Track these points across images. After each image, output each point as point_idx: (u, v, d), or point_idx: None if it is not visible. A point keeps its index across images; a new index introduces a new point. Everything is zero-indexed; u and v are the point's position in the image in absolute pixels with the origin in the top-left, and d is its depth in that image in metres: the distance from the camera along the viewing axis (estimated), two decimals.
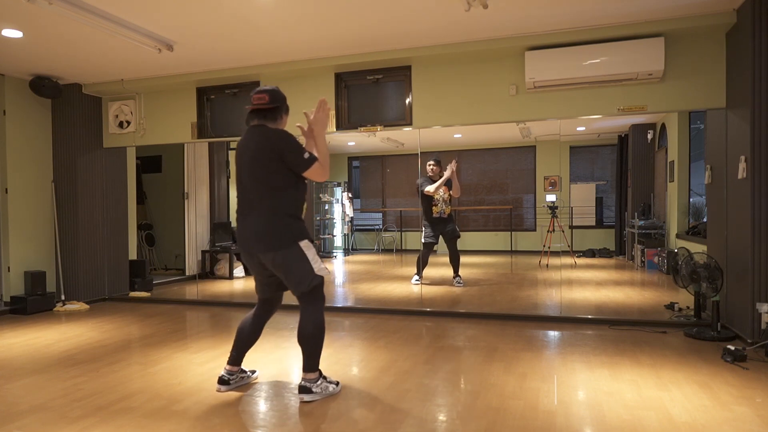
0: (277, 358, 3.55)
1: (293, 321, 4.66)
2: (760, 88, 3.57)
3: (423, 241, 6.34)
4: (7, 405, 2.74)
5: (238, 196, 2.86)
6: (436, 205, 6.30)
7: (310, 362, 2.80)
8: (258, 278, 2.97)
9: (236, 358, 2.99)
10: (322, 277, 2.84)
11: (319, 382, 2.81)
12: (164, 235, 8.16)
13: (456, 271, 6.34)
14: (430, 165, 6.33)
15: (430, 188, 6.23)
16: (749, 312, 3.67)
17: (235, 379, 2.99)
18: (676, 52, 4.19)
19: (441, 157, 6.47)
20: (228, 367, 2.99)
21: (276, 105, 2.84)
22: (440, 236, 6.35)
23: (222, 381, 2.95)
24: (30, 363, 3.51)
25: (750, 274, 3.66)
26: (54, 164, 5.78)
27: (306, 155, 2.74)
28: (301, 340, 2.79)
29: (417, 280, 6.31)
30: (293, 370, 3.27)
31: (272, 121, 2.84)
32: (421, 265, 6.32)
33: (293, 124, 3.08)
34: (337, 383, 2.93)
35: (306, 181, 2.88)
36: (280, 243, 2.73)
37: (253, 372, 3.14)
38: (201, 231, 7.52)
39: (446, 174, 6.21)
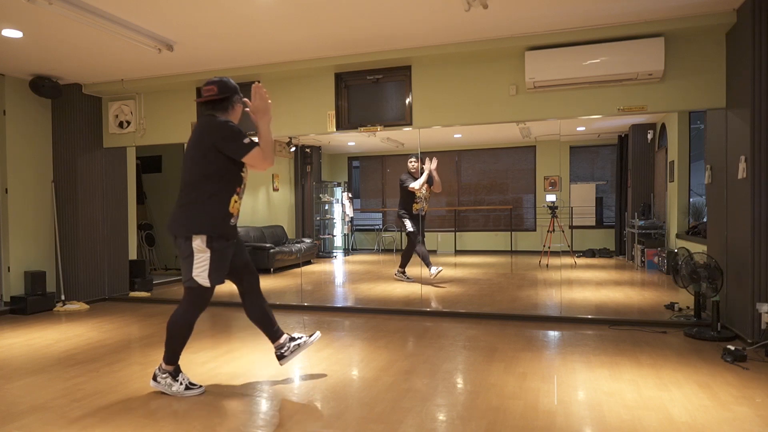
0: (273, 359, 3.54)
1: (293, 321, 4.66)
2: (760, 88, 3.57)
3: (412, 230, 6.37)
4: (7, 405, 2.74)
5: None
6: (417, 203, 6.38)
7: (167, 354, 2.86)
8: None
9: (273, 335, 3.06)
10: (198, 285, 2.76)
11: (165, 375, 2.86)
12: (164, 235, 8.16)
13: (404, 265, 6.45)
14: (411, 162, 6.44)
15: (414, 185, 6.29)
16: (749, 312, 3.67)
17: (289, 348, 3.06)
18: (676, 52, 4.19)
19: (440, 157, 6.50)
20: (276, 342, 3.06)
21: (225, 95, 2.83)
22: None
23: (279, 357, 3.06)
24: (30, 363, 3.51)
25: (750, 274, 3.66)
26: (54, 164, 5.78)
27: (246, 140, 2.72)
28: (167, 328, 2.85)
29: (437, 269, 6.31)
30: (293, 370, 3.27)
31: (222, 112, 2.84)
32: (427, 257, 6.34)
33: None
34: (195, 387, 2.88)
35: (243, 173, 2.85)
36: (178, 232, 2.77)
37: (311, 335, 3.17)
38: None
39: (425, 170, 6.28)
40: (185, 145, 2.84)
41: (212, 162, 2.72)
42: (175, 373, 2.87)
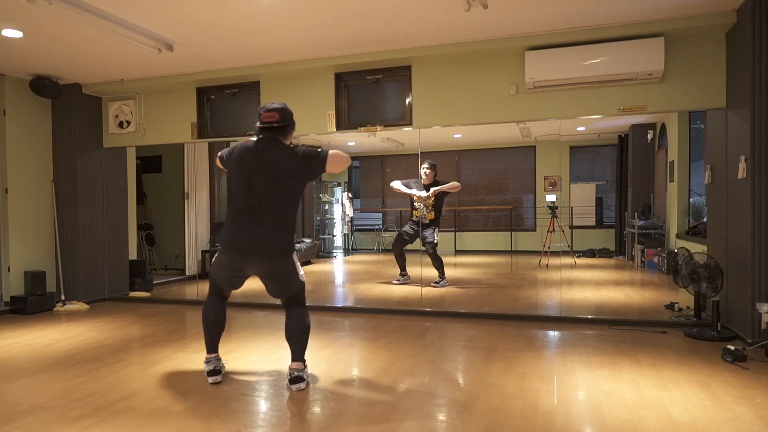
0: (276, 358, 3.54)
1: None
2: (760, 88, 3.57)
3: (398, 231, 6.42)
4: (7, 405, 2.74)
5: (241, 201, 2.91)
6: (416, 209, 6.31)
7: (302, 353, 3.01)
8: (237, 276, 3.06)
9: (216, 344, 3.12)
10: (304, 282, 3.09)
11: (305, 370, 3.00)
12: (164, 235, 8.16)
13: (439, 272, 6.28)
14: (423, 168, 6.28)
15: (394, 183, 6.32)
16: (749, 312, 3.67)
17: (220, 365, 3.12)
18: (676, 52, 4.19)
19: (440, 157, 6.42)
20: (213, 354, 3.09)
21: (285, 123, 2.98)
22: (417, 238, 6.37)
23: (215, 372, 3.05)
24: (30, 363, 3.51)
25: (750, 274, 3.66)
26: (54, 164, 5.78)
27: (319, 150, 2.94)
28: (297, 334, 3.01)
29: (399, 279, 6.40)
30: None
31: (283, 137, 3.00)
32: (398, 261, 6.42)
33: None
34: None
35: None
36: (283, 255, 2.93)
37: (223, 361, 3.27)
38: (201, 231, 7.52)
39: (410, 191, 6.30)
40: (247, 161, 2.93)
41: (295, 190, 2.95)
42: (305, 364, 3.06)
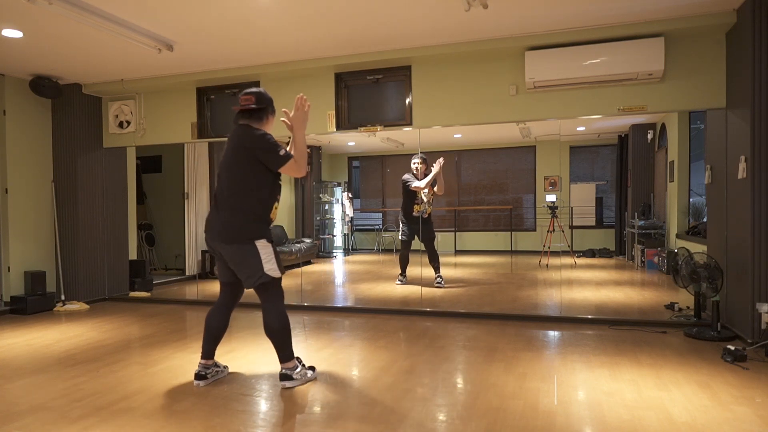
0: (276, 359, 3.54)
1: (293, 321, 4.65)
2: (760, 88, 3.57)
3: (403, 239, 6.34)
4: (7, 405, 2.74)
5: (215, 188, 2.98)
6: (418, 204, 6.24)
7: (283, 353, 2.97)
8: (220, 264, 3.07)
9: (209, 351, 3.08)
10: (272, 278, 2.91)
11: (298, 369, 2.99)
12: (164, 235, 8.16)
13: (437, 270, 6.25)
14: (415, 163, 6.26)
15: (419, 183, 6.14)
16: (749, 312, 3.67)
17: (211, 372, 3.07)
18: (676, 52, 4.19)
19: (440, 157, 6.41)
20: (202, 361, 3.06)
21: (262, 106, 2.96)
22: (416, 235, 6.31)
23: (199, 377, 3.02)
24: (30, 363, 3.51)
25: (750, 274, 3.66)
26: (54, 164, 5.78)
27: (281, 152, 2.87)
28: (268, 335, 2.97)
29: (401, 280, 6.36)
30: None
31: (257, 122, 2.97)
32: (403, 263, 6.37)
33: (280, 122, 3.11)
34: (313, 369, 3.13)
35: (280, 182, 3.00)
36: (237, 239, 2.86)
37: (226, 367, 3.23)
38: (201, 231, 7.51)
39: (434, 170, 6.11)
40: (223, 153, 2.98)
41: (255, 173, 2.86)
42: (302, 363, 3.07)
